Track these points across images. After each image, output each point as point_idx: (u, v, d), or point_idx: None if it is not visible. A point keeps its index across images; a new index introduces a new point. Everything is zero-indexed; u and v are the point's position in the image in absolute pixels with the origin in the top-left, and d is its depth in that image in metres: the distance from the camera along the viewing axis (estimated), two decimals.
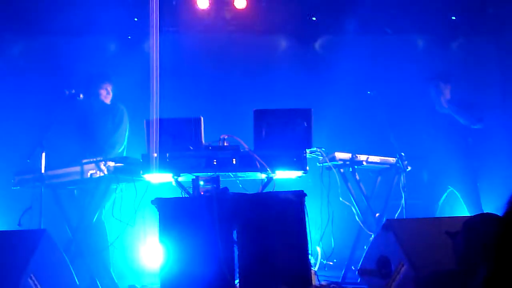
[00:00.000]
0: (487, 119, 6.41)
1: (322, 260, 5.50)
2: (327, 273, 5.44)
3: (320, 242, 5.42)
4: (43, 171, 4.98)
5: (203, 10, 7.46)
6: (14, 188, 5.35)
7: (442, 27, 7.85)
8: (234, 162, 4.51)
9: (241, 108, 6.51)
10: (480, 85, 7.43)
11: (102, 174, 5.09)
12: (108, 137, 5.86)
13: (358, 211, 5.59)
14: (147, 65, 5.46)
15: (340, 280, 5.32)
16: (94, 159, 5.12)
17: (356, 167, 5.53)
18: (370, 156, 5.54)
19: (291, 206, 4.20)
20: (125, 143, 5.94)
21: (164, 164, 4.46)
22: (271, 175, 4.58)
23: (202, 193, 4.32)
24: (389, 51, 7.63)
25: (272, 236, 4.14)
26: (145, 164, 4.48)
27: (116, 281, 5.26)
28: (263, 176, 4.64)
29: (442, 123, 6.33)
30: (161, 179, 4.66)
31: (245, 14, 7.53)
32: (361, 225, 5.56)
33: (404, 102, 6.79)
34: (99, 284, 5.00)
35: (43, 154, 4.98)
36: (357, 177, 5.58)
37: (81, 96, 5.57)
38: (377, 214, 5.58)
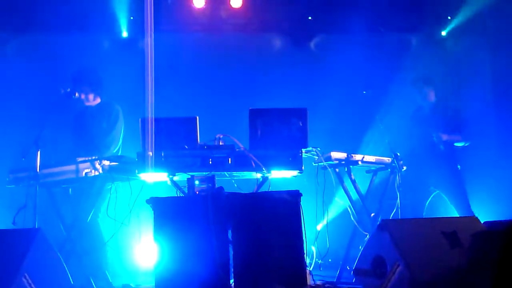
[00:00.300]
0: (473, 133, 6.43)
1: (317, 259, 5.50)
2: (322, 272, 5.45)
3: (315, 242, 5.42)
4: (38, 169, 4.96)
5: (199, 9, 7.46)
6: (9, 186, 5.32)
7: (436, 26, 7.88)
8: (229, 161, 4.51)
9: (236, 107, 6.50)
10: (472, 84, 7.45)
11: (97, 173, 5.07)
12: (103, 136, 5.84)
13: (353, 211, 5.59)
14: (143, 64, 5.46)
15: (335, 280, 5.32)
16: (89, 158, 5.10)
17: (351, 166, 5.52)
18: (365, 156, 5.53)
19: (287, 205, 4.20)
20: (120, 142, 5.93)
21: (159, 163, 4.46)
22: (267, 174, 4.58)
23: (197, 193, 4.32)
24: (385, 50, 7.64)
25: (267, 236, 4.14)
26: (140, 163, 4.47)
27: (111, 280, 5.25)
28: (258, 175, 4.64)
29: (428, 124, 6.34)
30: (156, 178, 4.65)
31: (241, 13, 7.53)
32: (356, 224, 5.55)
33: (398, 101, 6.80)
34: (93, 283, 4.98)
35: (38, 153, 4.96)
36: (353, 176, 5.57)
37: (77, 94, 5.56)
38: (372, 214, 5.58)
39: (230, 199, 4.22)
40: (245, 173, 4.66)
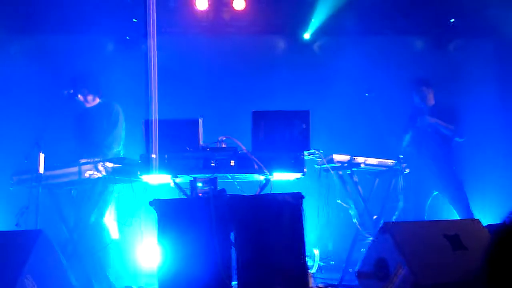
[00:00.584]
0: (468, 131, 6.40)
1: (319, 262, 5.49)
2: (324, 275, 5.45)
3: (318, 244, 5.42)
4: (40, 171, 4.96)
5: (202, 11, 7.46)
6: (12, 188, 5.33)
7: (440, 28, 7.87)
8: (232, 163, 4.51)
9: (239, 110, 6.51)
10: (476, 87, 7.44)
11: (99, 175, 5.08)
12: (104, 137, 5.83)
13: (356, 213, 5.59)
14: (146, 66, 5.46)
15: (337, 283, 5.31)
16: (92, 160, 5.11)
17: (354, 169, 5.53)
18: (368, 158, 5.53)
19: (289, 208, 4.20)
20: (122, 141, 5.93)
21: (162, 165, 4.46)
22: (269, 176, 4.57)
23: (200, 195, 4.32)
24: (388, 53, 7.63)
25: (270, 238, 4.14)
26: (143, 165, 4.48)
27: (113, 282, 5.25)
28: (261, 177, 4.64)
29: (423, 130, 6.31)
30: (159, 180, 4.65)
31: (244, 15, 7.53)
32: (359, 227, 5.55)
33: (401, 104, 6.79)
34: (95, 285, 4.99)
35: (41, 154, 4.97)
36: (355, 179, 5.57)
37: (79, 96, 5.57)
38: (374, 217, 5.58)
39: (233, 201, 4.22)
40: (248, 175, 4.66)
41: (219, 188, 4.34)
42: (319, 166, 5.32)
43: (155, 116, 4.68)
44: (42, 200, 4.98)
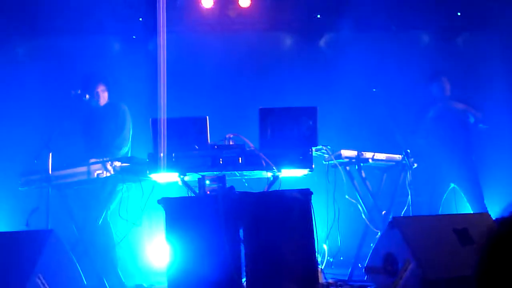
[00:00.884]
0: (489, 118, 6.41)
1: (328, 258, 5.50)
2: (334, 270, 5.45)
3: (327, 240, 5.43)
4: (50, 171, 5.00)
5: (207, 9, 7.46)
6: (21, 188, 5.36)
7: (447, 22, 7.84)
8: (240, 161, 4.52)
9: (246, 107, 6.52)
10: (484, 80, 7.41)
11: (108, 174, 5.10)
12: (113, 138, 5.85)
13: (364, 209, 5.59)
14: (151, 65, 5.48)
15: (347, 278, 5.32)
16: (101, 159, 5.13)
17: (362, 164, 5.53)
18: (376, 154, 5.53)
19: (297, 204, 4.21)
20: (129, 143, 5.95)
21: (170, 164, 4.47)
22: (277, 173, 4.58)
23: (208, 192, 4.33)
24: (395, 47, 7.61)
25: (279, 235, 4.15)
26: (152, 163, 4.49)
27: (123, 280, 5.28)
28: (269, 174, 4.64)
29: (443, 119, 6.31)
30: (167, 179, 4.67)
31: (249, 12, 7.53)
32: (367, 222, 5.56)
33: (409, 99, 6.78)
34: (106, 284, 5.02)
35: (50, 155, 5.00)
36: (363, 174, 5.57)
37: (87, 96, 5.60)
38: (383, 212, 5.58)
39: (241, 198, 4.23)
40: (256, 172, 4.66)
41: (227, 185, 4.35)
42: (327, 162, 5.32)
43: (163, 114, 4.70)
44: (52, 200, 5.02)
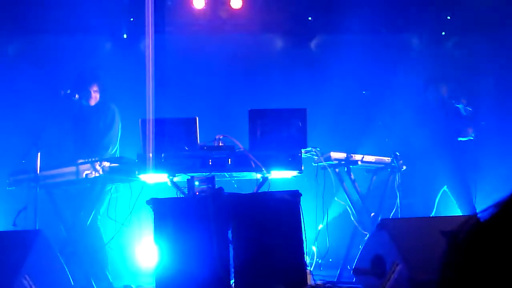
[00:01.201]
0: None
1: (317, 259, 5.51)
2: (323, 272, 5.45)
3: (316, 242, 5.43)
4: (38, 171, 4.97)
5: (199, 10, 7.45)
6: (9, 188, 5.34)
7: (437, 26, 7.87)
8: (229, 162, 4.52)
9: (236, 108, 6.51)
10: (475, 84, 7.44)
11: (97, 174, 5.08)
12: (100, 138, 5.81)
13: (353, 211, 5.60)
14: (143, 65, 5.47)
15: (335, 280, 5.33)
16: (90, 159, 5.11)
17: (351, 166, 5.53)
18: (365, 156, 5.54)
19: (287, 206, 4.22)
20: (117, 143, 5.91)
21: (159, 164, 4.47)
22: (266, 175, 4.58)
23: (197, 193, 4.33)
24: (385, 50, 7.64)
25: (267, 236, 4.15)
26: (141, 164, 4.49)
27: (112, 281, 5.26)
28: (258, 176, 4.65)
29: (434, 122, 6.32)
30: (156, 179, 4.66)
31: (241, 14, 7.53)
32: (356, 224, 5.56)
33: (398, 101, 6.80)
34: (94, 285, 5.00)
35: (39, 154, 4.97)
36: (352, 176, 5.58)
37: (77, 96, 5.56)
38: (372, 214, 5.59)
39: (230, 199, 4.23)
40: (245, 173, 4.67)
41: (216, 186, 4.34)
42: (316, 164, 5.32)
43: (152, 114, 4.69)
44: (40, 200, 4.99)
